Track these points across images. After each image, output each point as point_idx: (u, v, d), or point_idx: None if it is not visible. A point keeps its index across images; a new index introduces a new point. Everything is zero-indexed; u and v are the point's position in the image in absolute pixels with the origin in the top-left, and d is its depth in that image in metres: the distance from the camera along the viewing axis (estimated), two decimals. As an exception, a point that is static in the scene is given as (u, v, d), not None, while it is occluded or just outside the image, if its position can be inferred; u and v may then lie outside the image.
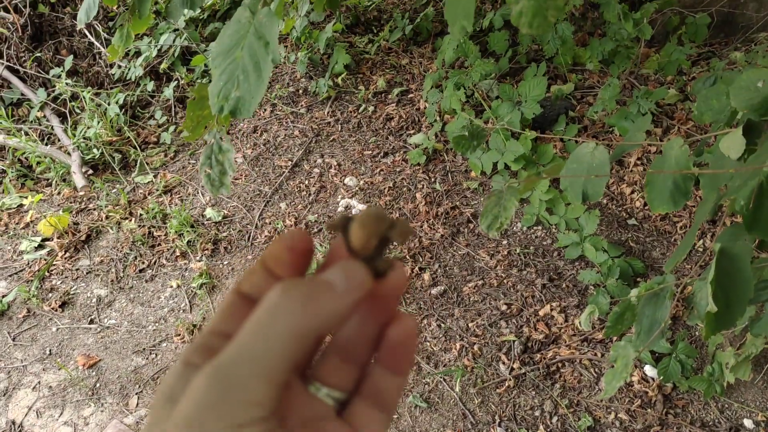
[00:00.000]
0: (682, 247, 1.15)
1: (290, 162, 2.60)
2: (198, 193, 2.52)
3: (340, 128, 2.77)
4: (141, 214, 2.39)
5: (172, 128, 2.85)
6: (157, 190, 2.53)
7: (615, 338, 1.73)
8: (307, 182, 2.49)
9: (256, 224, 2.34)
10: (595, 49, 2.50)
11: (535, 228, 2.12)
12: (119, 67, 3.09)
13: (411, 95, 2.89)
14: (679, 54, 2.40)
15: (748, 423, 1.48)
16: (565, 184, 1.25)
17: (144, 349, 1.90)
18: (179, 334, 1.93)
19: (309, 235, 0.34)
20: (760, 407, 1.50)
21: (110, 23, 3.28)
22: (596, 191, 1.18)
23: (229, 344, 0.29)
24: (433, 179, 2.43)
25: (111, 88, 3.04)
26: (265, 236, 2.28)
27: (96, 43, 3.15)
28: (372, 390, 0.36)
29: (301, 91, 2.99)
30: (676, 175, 1.14)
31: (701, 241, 1.94)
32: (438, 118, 2.65)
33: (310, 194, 2.44)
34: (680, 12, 2.47)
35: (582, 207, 1.97)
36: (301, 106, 2.91)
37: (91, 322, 2.03)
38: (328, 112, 2.86)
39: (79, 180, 2.56)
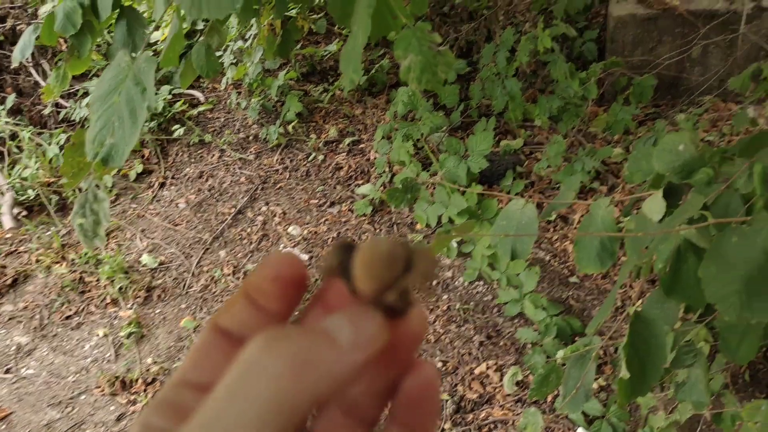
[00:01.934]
0: (603, 309, 1.13)
1: (234, 209, 2.56)
2: (136, 238, 2.46)
3: (288, 176, 2.74)
4: (73, 259, 2.31)
5: (114, 171, 2.79)
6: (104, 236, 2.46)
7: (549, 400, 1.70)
8: (249, 230, 2.45)
9: (193, 272, 2.28)
10: (544, 106, 2.53)
11: (476, 283, 2.10)
12: (63, 107, 3.04)
13: (362, 145, 2.89)
14: (625, 114, 2.45)
15: (679, 492, 1.45)
16: (495, 242, 1.24)
17: (60, 401, 1.81)
18: (99, 386, 1.85)
19: (299, 260, 0.27)
20: (692, 475, 1.48)
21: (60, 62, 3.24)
22: (524, 249, 1.16)
23: (192, 419, 0.22)
24: (378, 230, 2.41)
25: (54, 128, 2.98)
26: (201, 285, 2.22)
27: (42, 81, 3.10)
28: None
29: (251, 138, 2.98)
30: (603, 236, 1.13)
31: (640, 302, 1.94)
32: (387, 169, 2.65)
33: (251, 242, 2.39)
34: (627, 73, 2.53)
35: (523, 263, 1.96)
36: (251, 152, 2.89)
37: (7, 371, 1.93)
38: (277, 160, 2.84)
39: (7, 221, 2.48)
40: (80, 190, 0.66)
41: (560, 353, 1.23)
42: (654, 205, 1.10)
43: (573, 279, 2.06)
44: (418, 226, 2.38)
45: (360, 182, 2.68)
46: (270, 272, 0.26)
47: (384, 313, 0.25)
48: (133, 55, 0.64)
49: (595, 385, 1.65)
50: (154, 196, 2.67)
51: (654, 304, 1.19)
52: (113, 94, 0.63)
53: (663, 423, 1.42)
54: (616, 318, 1.85)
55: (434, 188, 2.33)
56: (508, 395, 1.70)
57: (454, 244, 2.18)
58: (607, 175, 2.44)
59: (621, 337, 0.96)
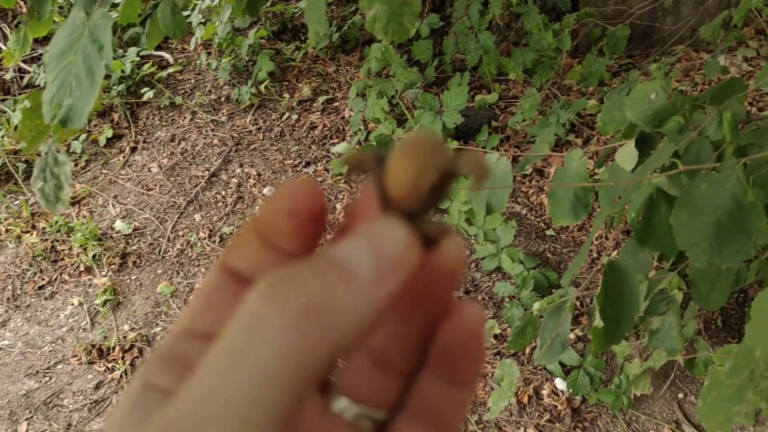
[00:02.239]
0: (578, 260, 1.14)
1: (207, 172, 2.54)
2: (109, 204, 2.42)
3: (261, 137, 2.71)
4: (44, 228, 2.28)
5: (83, 137, 2.74)
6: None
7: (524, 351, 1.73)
8: (224, 193, 2.43)
9: (168, 237, 2.26)
10: (518, 60, 2.52)
11: (454, 240, 2.11)
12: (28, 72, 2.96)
13: (336, 104, 2.86)
14: (599, 65, 2.44)
15: (654, 436, 1.50)
16: (470, 196, 1.23)
17: (37, 371, 1.81)
18: (76, 355, 1.84)
19: (317, 189, 0.22)
20: (666, 419, 1.52)
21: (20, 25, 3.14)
22: (499, 203, 1.17)
23: (185, 385, 0.18)
24: (354, 190, 2.40)
25: (19, 94, 2.91)
26: (177, 249, 2.21)
27: (2, 46, 3.02)
28: (423, 407, 0.25)
29: (223, 99, 2.93)
30: (577, 188, 1.13)
31: (616, 252, 1.97)
32: (362, 127, 2.63)
33: (226, 205, 2.38)
34: (601, 24, 2.51)
35: (499, 218, 1.97)
36: (223, 114, 2.84)
37: (-18, 343, 1.92)
38: (250, 121, 2.80)
39: (-26, 191, 2.43)
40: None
41: (537, 305, 1.24)
42: (626, 154, 1.10)
43: (549, 232, 2.08)
44: (395, 184, 2.37)
45: (335, 141, 2.66)
46: (283, 205, 0.22)
47: (417, 234, 0.20)
48: (89, 11, 0.62)
49: (571, 336, 1.68)
50: (126, 161, 2.63)
51: (628, 253, 1.20)
52: (69, 53, 0.61)
53: (638, 370, 1.45)
54: (591, 269, 1.87)
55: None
56: (486, 349, 1.72)
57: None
58: (582, 128, 2.44)
59: (596, 287, 0.98)
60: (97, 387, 1.78)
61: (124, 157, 2.66)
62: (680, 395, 1.56)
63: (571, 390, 1.54)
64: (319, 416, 0.24)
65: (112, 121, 2.85)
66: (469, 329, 0.23)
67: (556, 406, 1.55)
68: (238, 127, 2.77)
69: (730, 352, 1.09)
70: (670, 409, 1.53)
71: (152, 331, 1.94)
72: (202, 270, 2.13)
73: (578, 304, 1.75)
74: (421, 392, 0.25)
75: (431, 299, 0.23)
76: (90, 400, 1.75)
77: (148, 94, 2.88)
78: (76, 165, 2.63)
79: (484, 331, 0.23)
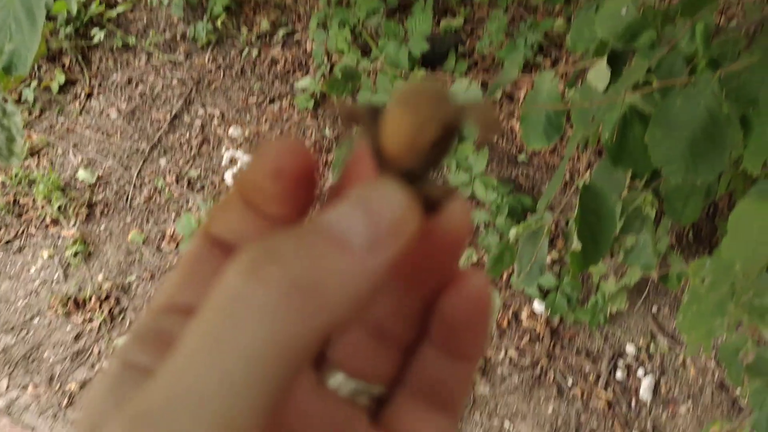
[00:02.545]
0: (553, 184, 1.14)
1: (169, 114, 2.47)
2: (69, 153, 2.36)
3: (222, 75, 2.64)
4: (3, 181, 2.22)
5: (34, 83, 2.64)
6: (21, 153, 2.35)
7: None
8: (188, 135, 2.38)
9: (135, 184, 2.22)
10: (482, -20, 2.46)
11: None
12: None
13: (297, 37, 2.78)
14: (565, -18, 2.40)
15: (630, 349, 1.54)
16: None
17: (13, 327, 1.79)
18: (52, 308, 1.82)
19: (304, 147, 0.20)
20: (642, 332, 1.56)
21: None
22: (470, 131, 1.15)
23: (160, 369, 0.16)
24: (322, 125, 2.37)
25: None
26: (145, 196, 2.17)
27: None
28: (425, 382, 0.23)
29: (178, 37, 2.83)
30: (549, 110, 1.12)
31: (588, 174, 1.98)
32: (326, 60, 2.56)
33: (191, 148, 2.33)
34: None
35: (471, 145, 1.96)
36: (180, 53, 2.75)
37: (-47, 303, 1.89)
38: (209, 59, 2.72)
39: (-72, 147, 2.34)
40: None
41: (513, 231, 1.25)
42: (598, 73, 1.08)
43: (521, 157, 2.08)
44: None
45: (299, 76, 2.60)
46: (268, 165, 0.20)
47: (416, 196, 0.18)
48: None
49: (548, 259, 1.70)
50: (83, 108, 2.55)
51: (602, 174, 1.20)
52: (6, -7, 0.57)
53: (613, 288, 1.48)
54: (565, 192, 1.88)
55: (376, 76, 2.27)
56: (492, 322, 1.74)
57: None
58: (551, 49, 2.41)
59: (571, 210, 0.98)
60: (77, 338, 1.78)
61: (80, 103, 2.57)
62: (654, 308, 1.60)
63: (549, 311, 1.57)
64: (313, 394, 0.22)
65: (64, 66, 2.74)
66: (474, 300, 0.21)
67: (535, 328, 1.59)
68: (197, 66, 2.68)
69: (704, 265, 1.10)
70: (645, 323, 1.58)
71: (127, 280, 1.92)
72: (173, 216, 2.10)
73: (553, 227, 1.77)
74: (422, 366, 0.23)
75: (433, 267, 0.21)
76: (71, 351, 1.75)
77: (98, 35, 2.77)
78: (29, 114, 2.54)
79: (490, 302, 0.22)
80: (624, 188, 1.21)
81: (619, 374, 1.54)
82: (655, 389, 1.51)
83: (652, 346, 1.55)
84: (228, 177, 2.22)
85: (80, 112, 2.53)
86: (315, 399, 0.22)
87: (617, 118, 1.01)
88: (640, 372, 1.54)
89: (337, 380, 0.23)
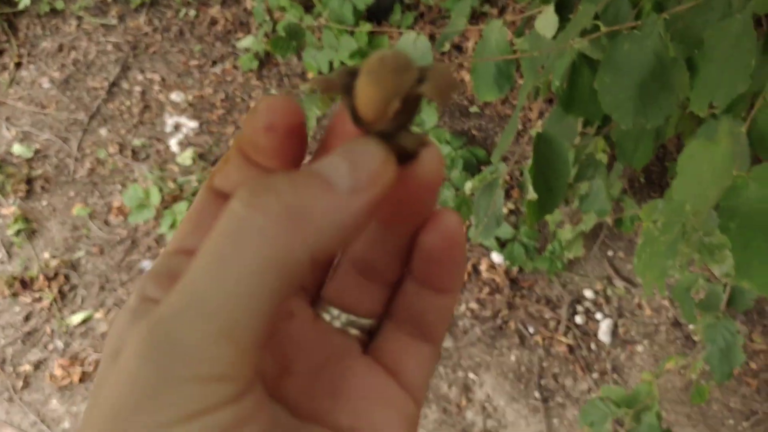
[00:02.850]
0: (506, 134, 1.15)
1: (107, 82, 2.40)
2: (2, 127, 2.28)
3: (160, 38, 2.57)
4: (-66, 161, 2.14)
5: (-42, 56, 2.53)
6: (-49, 131, 2.26)
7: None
8: (128, 103, 2.32)
9: (76, 156, 2.16)
10: (424, -72, 2.43)
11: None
12: None
13: (237, -6, 2.72)
14: (508, -73, 2.38)
15: (588, 293, 1.60)
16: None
17: (-41, 312, 1.75)
18: (-3, 290, 1.78)
19: (293, 104, 0.23)
20: (598, 276, 1.61)
21: None
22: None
23: (174, 288, 0.19)
24: (268, 85, 2.33)
25: None
26: (87, 168, 2.12)
27: None
28: (409, 314, 0.26)
29: (110, 0, 2.73)
30: (499, 61, 1.12)
31: (540, 123, 2.00)
32: (267, 18, 2.51)
33: (133, 116, 2.27)
34: None
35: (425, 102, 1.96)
36: (112, 16, 2.66)
37: None
38: (144, 21, 2.64)
39: None
40: None
41: (468, 184, 1.26)
42: (546, 21, 1.09)
43: (473, 109, 2.09)
44: (310, 75, 2.31)
45: (240, 36, 2.54)
46: (260, 121, 0.23)
47: (391, 150, 0.21)
48: None
49: (504, 210, 1.73)
50: (12, 79, 2.45)
51: (554, 122, 1.22)
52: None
53: (570, 235, 1.52)
54: (519, 142, 1.91)
55: (321, 32, 2.24)
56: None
57: (350, 89, 2.14)
58: (497, -3, 2.41)
59: (525, 160, 0.99)
60: (27, 319, 1.75)
61: (9, 74, 2.47)
62: (610, 253, 1.66)
63: (507, 262, 1.60)
64: (310, 326, 0.26)
65: (-11, 35, 2.63)
66: (447, 235, 0.24)
67: (495, 279, 1.62)
68: (132, 29, 2.60)
69: (655, 208, 1.14)
70: (602, 267, 1.63)
71: (75, 256, 1.89)
72: (119, 187, 2.06)
73: (508, 178, 1.79)
74: (406, 300, 0.26)
75: (412, 209, 0.24)
76: (21, 332, 1.72)
77: (24, 1, 2.65)
78: (-44, 89, 2.44)
79: (463, 237, 0.24)
80: (576, 135, 1.23)
81: (579, 319, 1.59)
82: (614, 331, 1.57)
83: (609, 289, 1.61)
84: (173, 144, 2.18)
85: (10, 84, 2.44)
86: (312, 330, 0.25)
87: (566, 66, 1.02)
88: (599, 315, 1.59)
89: (331, 314, 0.26)
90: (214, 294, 0.18)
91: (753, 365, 1.49)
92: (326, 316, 0.26)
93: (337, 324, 0.26)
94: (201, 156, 2.15)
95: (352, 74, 0.22)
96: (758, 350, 1.50)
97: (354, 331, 0.26)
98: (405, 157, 0.22)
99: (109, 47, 2.53)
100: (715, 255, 0.57)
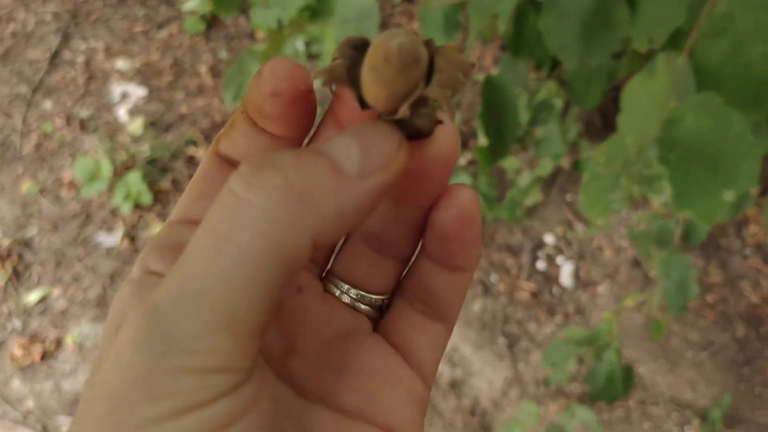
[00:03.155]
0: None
1: (48, 53, 2.33)
2: (-59, 106, 2.21)
3: (101, 4, 2.50)
4: None
5: None
6: None
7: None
8: (73, 73, 2.26)
9: (21, 132, 2.11)
10: None
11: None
12: None
13: (177, -46, 2.65)
14: None
15: (548, 239, 1.63)
16: (338, 31, 1.21)
17: None
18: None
19: (300, 68, 0.22)
20: (558, 221, 1.64)
21: None
22: (369, 33, 1.15)
23: (171, 269, 0.19)
24: (217, 48, 2.29)
25: None
26: (34, 144, 2.07)
27: None
28: (422, 291, 0.25)
29: (45, -34, 2.64)
30: (445, 7, 1.12)
31: (495, 70, 2.01)
32: (211, -23, 2.46)
33: (78, 87, 2.22)
34: None
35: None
36: (49, -17, 2.58)
37: None
38: (83, -13, 2.56)
39: None
40: None
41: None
42: (490, -35, 1.09)
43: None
44: (259, 35, 2.28)
45: (185, -3, 2.49)
46: (265, 86, 0.22)
47: (402, 130, 0.21)
48: None
49: (462, 161, 1.74)
50: (-52, 55, 2.38)
51: (505, 68, 1.23)
52: None
53: (527, 181, 1.54)
54: (472, 91, 1.91)
55: (267, -11, 2.20)
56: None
57: (301, 47, 2.12)
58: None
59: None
60: (-17, 301, 1.73)
61: (-56, 50, 2.40)
62: (568, 197, 1.68)
63: (467, 212, 1.62)
64: (318, 301, 0.25)
65: None
66: (462, 212, 0.23)
67: (456, 231, 1.64)
68: (71, -4, 2.52)
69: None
70: (561, 211, 1.65)
71: (28, 234, 1.86)
72: (69, 161, 2.02)
73: (463, 129, 1.80)
74: (419, 277, 0.25)
75: (425, 184, 0.23)
76: (-23, 315, 1.70)
77: (-47, -29, 2.55)
78: None
79: (477, 213, 0.24)
80: (526, 80, 1.24)
81: (540, 264, 1.62)
82: (575, 274, 1.61)
83: (569, 233, 1.64)
84: (122, 113, 2.14)
85: (-54, 60, 2.36)
86: (321, 305, 0.25)
87: (511, 9, 1.02)
88: (560, 260, 1.62)
89: (341, 289, 0.25)
90: (212, 279, 0.18)
91: (709, 298, 1.54)
92: (335, 291, 0.26)
93: (346, 299, 0.26)
94: (152, 124, 2.11)
95: (359, 48, 0.21)
96: (714, 283, 1.55)
97: (364, 308, 0.26)
98: (418, 134, 0.21)
99: (48, 17, 2.45)
100: (653, 186, 0.58)
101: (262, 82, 0.22)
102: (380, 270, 0.26)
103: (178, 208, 0.24)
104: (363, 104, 0.21)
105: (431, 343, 0.26)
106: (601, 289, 1.58)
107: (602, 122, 1.74)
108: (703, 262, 1.56)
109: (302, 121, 0.23)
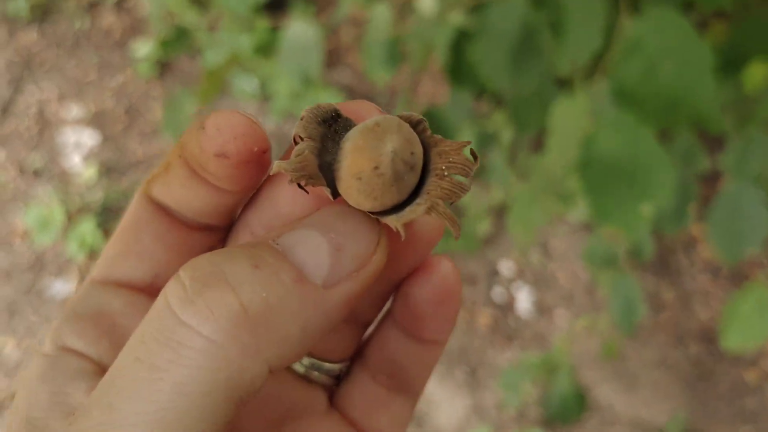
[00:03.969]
0: (399, 109, 1.19)
1: (1, 103, 2.33)
2: None
3: (55, 53, 2.50)
4: None
5: None
6: None
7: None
8: (26, 123, 2.26)
9: (-27, 182, 2.09)
10: None
11: (286, 121, 2.11)
12: None
13: (131, 2, 2.67)
14: None
15: (503, 267, 1.65)
16: (285, 68, 1.23)
17: None
18: None
19: (254, 125, 0.18)
20: (512, 249, 1.67)
21: None
22: (314, 69, 1.18)
23: (91, 399, 0.15)
24: (171, 92, 2.31)
25: None
26: (-13, 194, 2.06)
27: None
28: (386, 361, 0.23)
29: (-3, 16, 2.65)
30: (387, 40, 1.16)
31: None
32: (164, 23, 2.48)
33: (32, 135, 2.21)
34: None
35: (322, 87, 1.98)
36: (0, 34, 2.58)
37: None
38: (36, 36, 2.57)
39: None
40: None
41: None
42: (425, 1, 1.13)
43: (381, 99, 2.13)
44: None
45: (138, 42, 2.51)
46: (209, 145, 0.18)
47: (381, 222, 0.18)
48: None
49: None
50: None
51: (451, 99, 1.26)
52: None
53: (479, 211, 1.56)
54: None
55: (220, 31, 2.23)
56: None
57: (254, 87, 2.14)
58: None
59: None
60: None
61: None
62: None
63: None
64: None
65: None
66: (442, 288, 0.21)
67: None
68: (23, 46, 2.53)
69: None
70: (510, 243, 1.69)
71: (-20, 285, 1.83)
72: (22, 207, 2.00)
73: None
74: (384, 347, 0.23)
75: (401, 260, 0.21)
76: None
77: None
78: None
79: (459, 290, 0.22)
80: (469, 109, 1.27)
81: (497, 293, 1.64)
82: (532, 301, 1.63)
83: (523, 261, 1.66)
84: (76, 161, 2.14)
85: None
86: (269, 377, 0.19)
87: (447, 41, 1.06)
88: (516, 287, 1.65)
89: None
90: (142, 420, 0.14)
91: (662, 318, 1.57)
92: None
93: (299, 369, 0.22)
94: (107, 170, 2.11)
95: (326, 134, 0.18)
96: (666, 302, 1.59)
97: (319, 377, 0.23)
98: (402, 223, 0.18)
99: (1, 67, 2.45)
100: (568, 202, 0.61)
101: (205, 139, 0.18)
102: (337, 335, 0.22)
103: (101, 263, 0.21)
104: (337, 195, 0.18)
105: (394, 420, 0.23)
106: (558, 315, 1.60)
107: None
108: (654, 281, 1.59)
109: (252, 180, 0.20)
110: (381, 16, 1.16)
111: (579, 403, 1.12)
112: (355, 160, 0.17)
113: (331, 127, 0.18)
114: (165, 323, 0.15)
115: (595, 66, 0.76)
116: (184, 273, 0.16)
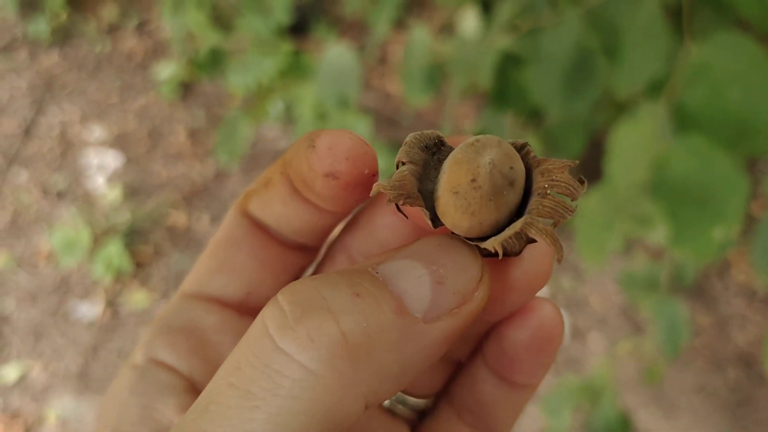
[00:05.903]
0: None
1: (24, 124, 2.35)
2: None
3: (77, 75, 2.54)
4: None
5: None
6: None
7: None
8: (49, 144, 2.28)
9: (-4, 204, 2.11)
10: (339, -55, 2.48)
11: (311, 145, 2.13)
12: None
13: (152, 25, 2.71)
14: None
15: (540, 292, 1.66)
16: (322, 92, 1.24)
17: None
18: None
19: (366, 147, 0.18)
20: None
21: None
22: (351, 93, 1.20)
23: (180, 423, 0.15)
24: (194, 113, 2.33)
25: None
26: (11, 214, 2.07)
27: None
28: (473, 401, 0.22)
29: (18, 39, 2.68)
30: (427, 66, 1.17)
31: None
32: (186, 45, 2.52)
33: (55, 157, 2.23)
34: None
35: (354, 113, 2.00)
36: (23, 56, 2.61)
37: None
38: (58, 58, 2.60)
39: None
40: None
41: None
42: (468, 22, 1.14)
43: (406, 122, 2.14)
44: (236, 99, 2.33)
45: (160, 65, 2.54)
46: (320, 165, 0.18)
47: (484, 254, 0.17)
48: None
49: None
50: None
51: (486, 120, 1.28)
52: None
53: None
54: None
55: (244, 54, 2.26)
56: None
57: (280, 108, 2.16)
58: (416, 7, 2.48)
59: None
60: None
61: None
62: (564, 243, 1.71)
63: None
64: None
65: None
66: (542, 333, 0.21)
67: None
68: (45, 69, 2.56)
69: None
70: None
71: (5, 307, 1.84)
72: (46, 229, 2.02)
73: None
74: (473, 386, 0.22)
75: (502, 304, 0.20)
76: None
77: (-74, 47, 2.59)
78: None
79: (560, 334, 0.21)
80: (505, 130, 1.29)
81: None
82: (565, 325, 1.63)
83: (557, 285, 1.67)
84: (100, 182, 2.15)
85: None
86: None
87: (492, 65, 1.07)
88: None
89: None
90: None
91: (698, 341, 1.57)
92: None
93: (384, 402, 0.22)
94: (131, 191, 2.13)
95: (427, 160, 0.18)
96: (702, 326, 1.58)
97: (404, 410, 0.22)
98: (505, 253, 0.17)
99: (23, 89, 2.48)
100: (644, 224, 0.62)
101: (315, 158, 0.18)
102: (427, 371, 0.20)
103: (194, 278, 0.21)
104: (436, 222, 0.18)
105: None
106: (592, 338, 1.60)
107: (584, 173, 1.79)
108: (689, 306, 1.59)
109: (357, 203, 0.19)
110: (419, 40, 1.17)
111: (624, 429, 1.12)
112: (452, 173, 0.17)
113: (435, 155, 0.18)
114: (262, 349, 0.15)
115: (657, 89, 0.77)
116: (282, 297, 0.15)
